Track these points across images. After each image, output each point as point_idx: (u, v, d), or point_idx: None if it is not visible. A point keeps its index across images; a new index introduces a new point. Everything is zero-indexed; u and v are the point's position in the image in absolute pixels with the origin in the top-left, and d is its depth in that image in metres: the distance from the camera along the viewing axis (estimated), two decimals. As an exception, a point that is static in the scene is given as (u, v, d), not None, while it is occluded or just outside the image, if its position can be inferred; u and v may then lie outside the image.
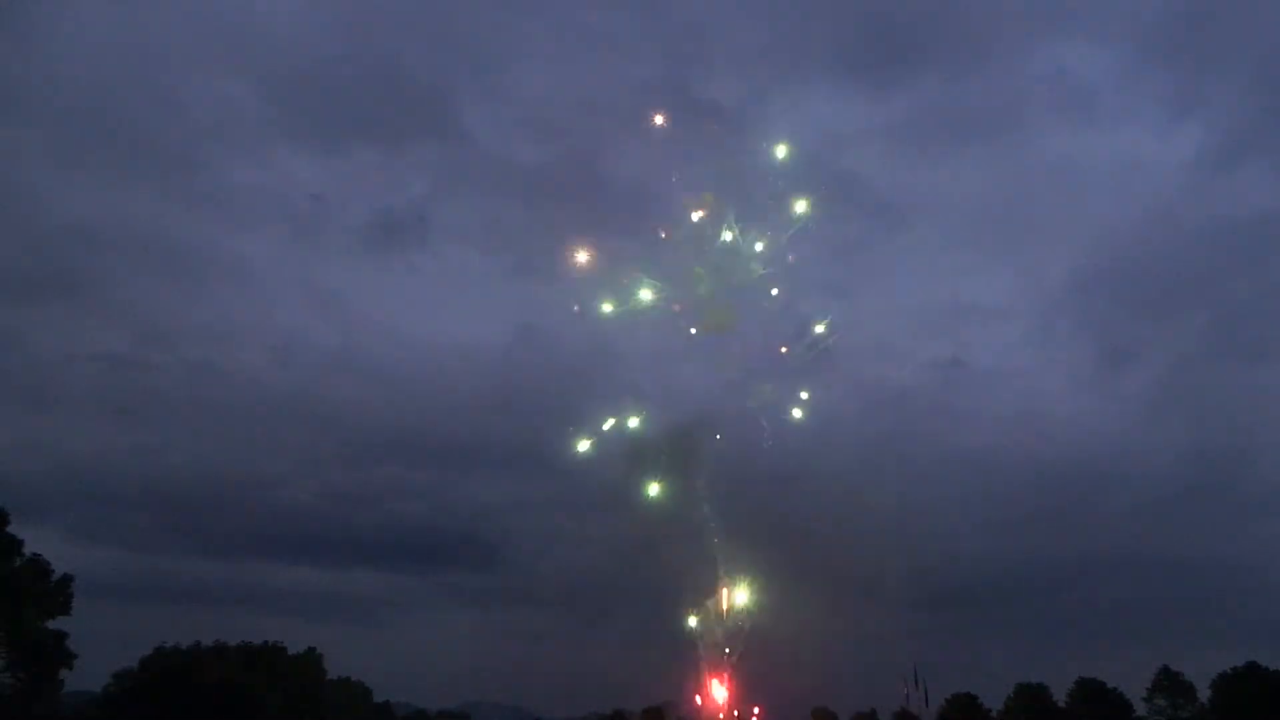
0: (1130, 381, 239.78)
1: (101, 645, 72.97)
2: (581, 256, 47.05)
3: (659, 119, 48.10)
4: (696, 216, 48.37)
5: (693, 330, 50.97)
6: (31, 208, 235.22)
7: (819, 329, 49.57)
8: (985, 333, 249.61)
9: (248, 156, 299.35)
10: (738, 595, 48.94)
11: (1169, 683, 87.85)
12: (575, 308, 48.57)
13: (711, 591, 51.33)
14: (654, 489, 47.80)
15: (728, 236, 48.69)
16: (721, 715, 48.01)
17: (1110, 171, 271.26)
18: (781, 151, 47.72)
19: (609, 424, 48.16)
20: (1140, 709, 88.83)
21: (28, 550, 57.82)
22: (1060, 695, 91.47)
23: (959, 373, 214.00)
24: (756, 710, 53.12)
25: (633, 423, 48.46)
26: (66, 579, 58.68)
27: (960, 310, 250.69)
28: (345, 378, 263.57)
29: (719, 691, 48.32)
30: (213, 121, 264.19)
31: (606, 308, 47.68)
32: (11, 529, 57.21)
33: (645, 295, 47.24)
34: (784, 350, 50.39)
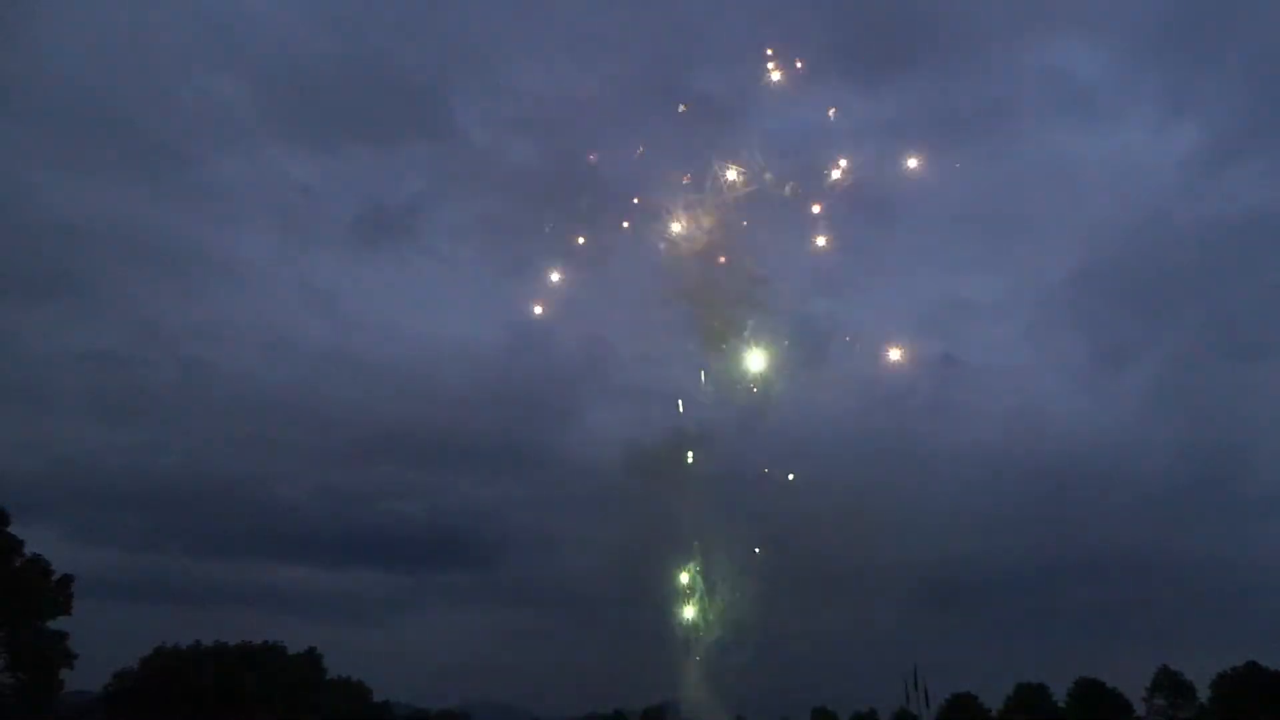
0: (1127, 379, 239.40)
1: (101, 645, 72.91)
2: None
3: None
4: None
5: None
6: (23, 205, 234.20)
7: None
8: (980, 330, 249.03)
9: (240, 153, 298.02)
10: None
11: (1169, 683, 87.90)
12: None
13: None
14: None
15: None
16: None
17: (1105, 169, 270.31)
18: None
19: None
20: (1140, 709, 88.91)
21: (28, 550, 57.88)
22: (1060, 695, 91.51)
23: (954, 370, 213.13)
24: None
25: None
26: (67, 579, 58.67)
27: (954, 307, 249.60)
28: (340, 375, 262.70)
29: None
30: (204, 118, 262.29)
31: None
32: (12, 529, 57.25)
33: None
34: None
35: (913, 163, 53.59)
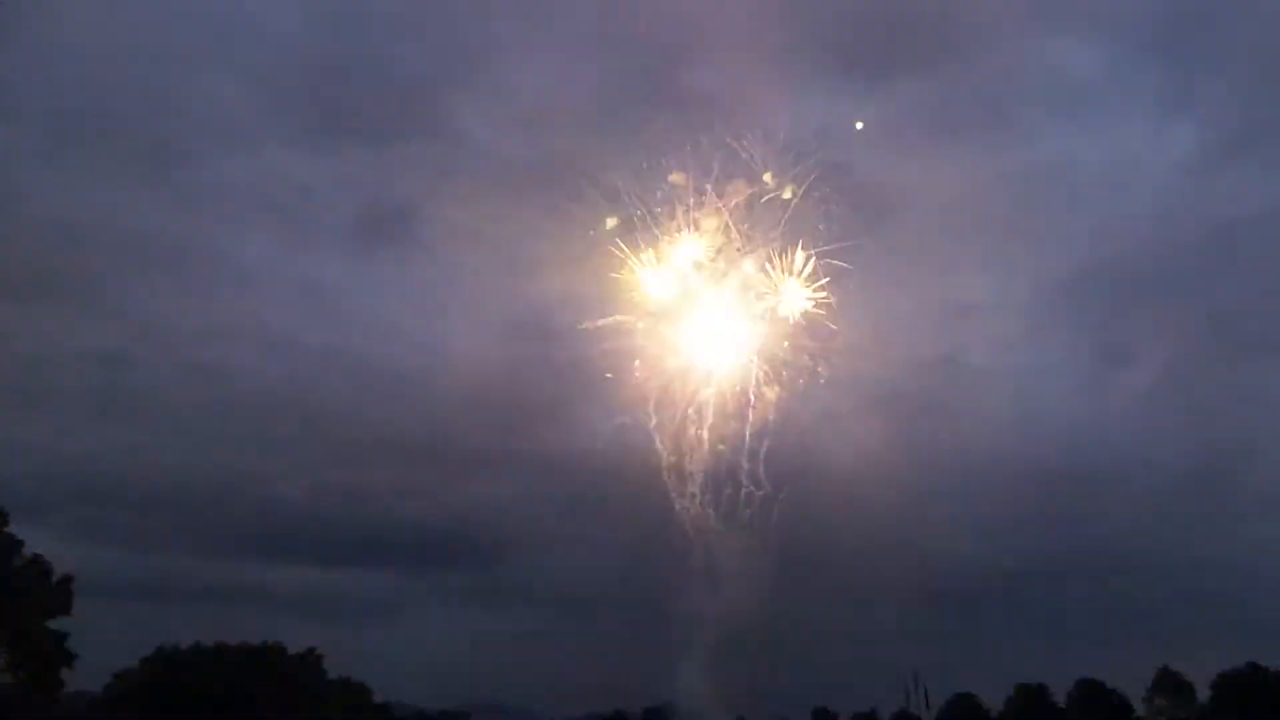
0: (1127, 379, 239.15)
1: (101, 645, 72.72)
2: None
3: None
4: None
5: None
6: (20, 205, 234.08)
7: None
8: (980, 330, 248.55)
9: (240, 153, 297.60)
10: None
11: (1169, 683, 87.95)
12: None
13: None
14: None
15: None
16: None
17: (1104, 169, 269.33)
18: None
19: None
20: (1140, 709, 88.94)
21: (28, 550, 57.87)
22: (1060, 695, 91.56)
23: (954, 371, 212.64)
24: None
25: None
26: (67, 579, 58.65)
27: (954, 308, 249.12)
28: (340, 375, 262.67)
29: None
30: (204, 118, 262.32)
31: None
32: (12, 529, 57.25)
33: None
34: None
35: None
